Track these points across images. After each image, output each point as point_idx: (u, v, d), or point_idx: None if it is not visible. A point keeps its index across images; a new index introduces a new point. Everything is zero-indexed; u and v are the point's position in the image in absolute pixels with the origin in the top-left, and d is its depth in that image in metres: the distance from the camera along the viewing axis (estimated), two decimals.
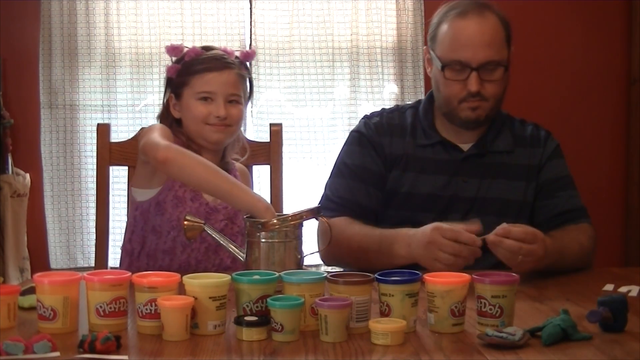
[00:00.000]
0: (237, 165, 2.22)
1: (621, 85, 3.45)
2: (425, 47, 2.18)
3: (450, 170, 2.11)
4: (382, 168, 2.13)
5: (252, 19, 3.26)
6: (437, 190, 2.10)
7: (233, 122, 2.09)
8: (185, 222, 1.80)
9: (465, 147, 2.14)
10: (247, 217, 1.75)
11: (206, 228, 1.80)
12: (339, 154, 2.21)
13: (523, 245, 1.77)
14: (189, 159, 1.85)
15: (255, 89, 3.23)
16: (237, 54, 2.15)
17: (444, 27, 2.07)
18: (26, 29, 3.26)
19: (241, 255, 1.75)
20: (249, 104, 2.27)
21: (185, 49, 2.13)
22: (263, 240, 1.68)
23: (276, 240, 1.68)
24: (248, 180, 2.25)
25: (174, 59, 2.14)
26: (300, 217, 1.69)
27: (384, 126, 2.17)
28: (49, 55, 3.21)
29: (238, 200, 1.81)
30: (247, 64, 2.19)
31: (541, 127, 2.24)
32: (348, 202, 2.09)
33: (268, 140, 2.41)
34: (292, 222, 1.68)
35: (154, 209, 2.06)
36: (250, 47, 3.26)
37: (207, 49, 2.15)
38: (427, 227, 1.84)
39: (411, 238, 1.89)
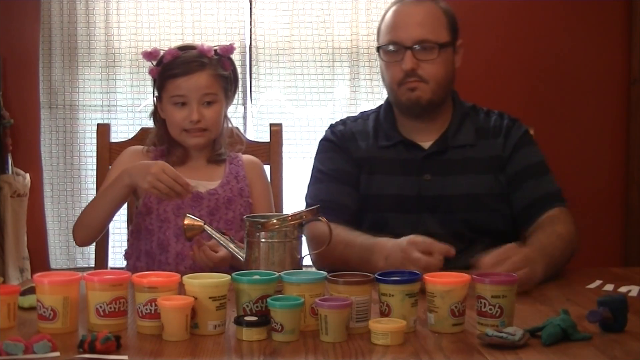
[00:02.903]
0: (245, 157, 2.27)
1: (621, 85, 3.44)
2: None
3: (413, 170, 2.11)
4: (356, 170, 2.14)
5: (252, 19, 3.26)
6: (402, 190, 2.09)
7: (208, 125, 2.15)
8: (185, 222, 1.81)
9: (426, 144, 2.13)
10: (247, 217, 1.76)
11: (206, 228, 1.80)
12: (313, 165, 2.22)
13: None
14: (79, 222, 2.15)
15: (255, 88, 3.25)
16: (217, 49, 2.17)
17: (384, 18, 2.12)
18: (26, 29, 3.25)
19: (241, 256, 1.75)
20: (235, 98, 2.30)
21: (162, 52, 2.17)
22: (263, 240, 1.68)
23: (276, 240, 1.68)
24: (255, 170, 2.26)
25: (154, 62, 2.18)
26: (300, 217, 1.69)
27: (347, 133, 2.19)
28: (49, 55, 3.20)
29: (115, 193, 2.04)
30: (231, 57, 2.21)
31: (506, 116, 2.20)
32: (330, 204, 2.06)
33: (268, 140, 2.41)
34: (292, 222, 1.68)
35: (143, 209, 2.14)
36: (250, 47, 3.26)
37: (183, 49, 2.18)
38: (403, 240, 1.80)
39: (388, 250, 1.85)
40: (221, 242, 1.80)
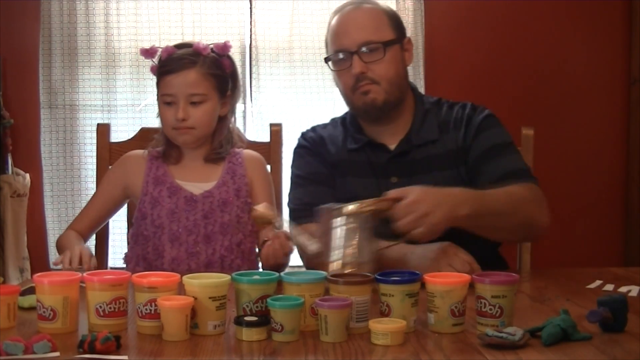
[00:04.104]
0: (246, 152, 2.24)
1: (621, 85, 3.45)
2: None
3: (379, 172, 2.09)
4: (332, 172, 2.13)
5: (252, 19, 3.26)
6: (372, 193, 2.00)
7: (196, 124, 2.11)
8: (255, 214, 1.83)
9: (392, 146, 2.11)
10: (322, 206, 1.76)
11: (274, 222, 1.83)
12: (291, 172, 2.20)
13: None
14: (57, 244, 2.15)
15: (255, 88, 3.25)
16: (212, 46, 2.16)
17: (329, 29, 2.13)
18: (26, 29, 3.26)
19: (310, 249, 1.76)
20: (235, 97, 2.24)
21: (159, 49, 2.16)
22: (338, 227, 1.70)
23: (353, 225, 1.69)
24: (257, 166, 2.24)
25: (154, 60, 2.17)
26: (377, 204, 1.71)
27: (318, 139, 2.19)
28: (49, 55, 3.21)
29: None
30: (231, 57, 2.20)
31: (469, 105, 2.14)
32: (312, 207, 1.96)
33: (268, 140, 2.41)
34: (369, 209, 1.70)
35: (138, 215, 2.14)
36: (250, 47, 3.26)
37: (181, 46, 2.18)
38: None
39: (412, 247, 1.85)
40: (292, 233, 1.83)
